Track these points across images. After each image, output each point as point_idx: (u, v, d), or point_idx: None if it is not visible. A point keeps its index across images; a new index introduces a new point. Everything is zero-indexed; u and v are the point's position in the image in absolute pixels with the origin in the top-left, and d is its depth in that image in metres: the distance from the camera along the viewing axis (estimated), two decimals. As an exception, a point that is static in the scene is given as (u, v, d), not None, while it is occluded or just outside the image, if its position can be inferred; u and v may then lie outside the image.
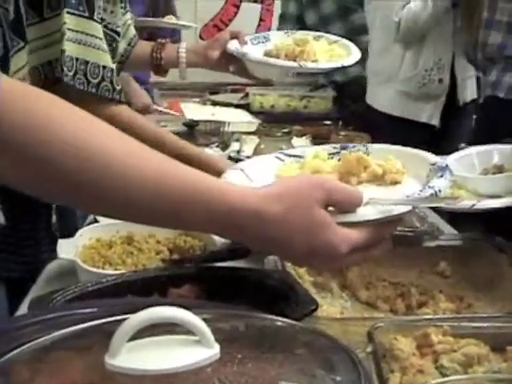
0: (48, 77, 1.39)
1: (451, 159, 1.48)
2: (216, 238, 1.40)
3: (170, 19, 2.76)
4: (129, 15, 1.70)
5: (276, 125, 1.92)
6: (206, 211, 0.85)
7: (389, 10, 2.88)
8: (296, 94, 3.07)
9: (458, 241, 1.50)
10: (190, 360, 0.61)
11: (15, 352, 0.71)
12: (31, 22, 1.32)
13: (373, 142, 2.16)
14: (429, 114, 2.81)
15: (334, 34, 2.02)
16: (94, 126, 0.86)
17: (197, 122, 2.60)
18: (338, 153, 1.19)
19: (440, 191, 0.98)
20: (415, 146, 1.28)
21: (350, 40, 1.97)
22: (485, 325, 1.06)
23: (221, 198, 0.86)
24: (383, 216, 0.91)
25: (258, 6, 4.87)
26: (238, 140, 2.48)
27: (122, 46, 1.65)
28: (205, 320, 0.67)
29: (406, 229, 1.56)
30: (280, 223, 0.86)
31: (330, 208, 0.89)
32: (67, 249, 1.37)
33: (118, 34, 1.59)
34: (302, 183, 0.90)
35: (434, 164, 1.09)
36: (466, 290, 1.31)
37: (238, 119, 2.81)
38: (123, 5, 1.63)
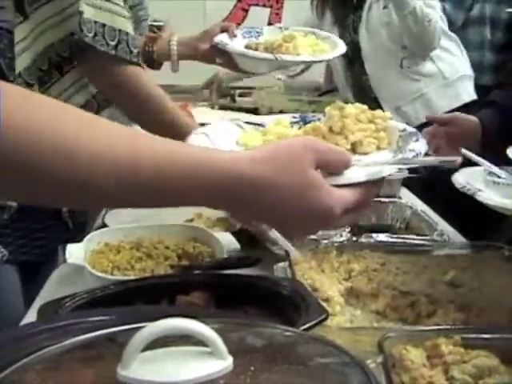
0: (73, 49, 1.43)
1: None
2: (224, 245, 1.40)
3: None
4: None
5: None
6: (192, 183, 0.80)
7: None
8: (305, 99, 3.06)
9: (468, 249, 1.49)
10: (203, 372, 0.61)
11: (25, 361, 0.70)
12: (40, 3, 1.34)
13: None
14: None
15: None
16: (95, 124, 0.80)
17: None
18: (297, 122, 1.20)
19: (421, 153, 1.00)
20: None
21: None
22: (495, 336, 1.05)
23: (211, 166, 0.81)
24: (372, 178, 0.91)
25: (267, 10, 4.86)
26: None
27: None
28: (215, 330, 0.66)
29: (416, 237, 1.55)
30: (273, 185, 0.83)
31: (318, 170, 0.87)
32: (76, 253, 1.37)
33: None
34: (293, 144, 0.86)
35: (403, 130, 1.10)
36: (475, 299, 1.30)
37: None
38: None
